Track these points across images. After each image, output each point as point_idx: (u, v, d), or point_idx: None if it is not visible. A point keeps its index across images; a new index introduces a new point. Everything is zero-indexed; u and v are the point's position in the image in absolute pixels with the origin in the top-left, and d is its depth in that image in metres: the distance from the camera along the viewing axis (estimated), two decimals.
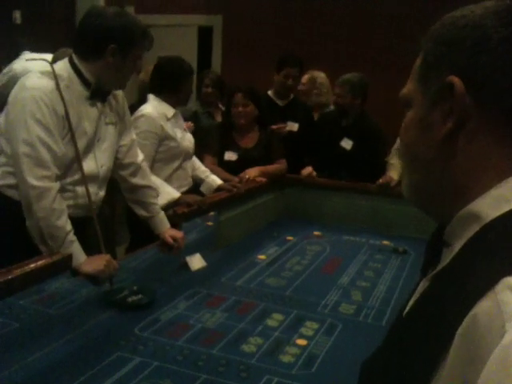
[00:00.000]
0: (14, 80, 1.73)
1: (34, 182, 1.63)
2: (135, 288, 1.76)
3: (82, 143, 1.76)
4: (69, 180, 1.77)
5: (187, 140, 2.66)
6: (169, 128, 2.51)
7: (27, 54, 3.00)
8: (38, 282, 1.58)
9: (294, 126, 3.43)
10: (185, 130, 2.69)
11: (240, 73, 5.09)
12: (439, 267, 0.57)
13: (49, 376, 1.30)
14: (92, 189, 1.82)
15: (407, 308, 0.61)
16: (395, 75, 3.98)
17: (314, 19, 5.28)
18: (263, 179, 2.89)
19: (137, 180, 2.04)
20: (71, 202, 1.78)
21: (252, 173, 2.85)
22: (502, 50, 0.53)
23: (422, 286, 0.60)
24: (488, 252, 0.49)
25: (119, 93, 1.94)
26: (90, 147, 1.81)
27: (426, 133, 0.58)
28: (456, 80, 0.54)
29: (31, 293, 1.70)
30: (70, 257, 1.63)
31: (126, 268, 2.02)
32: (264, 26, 5.44)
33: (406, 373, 0.51)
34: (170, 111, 2.53)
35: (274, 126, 3.22)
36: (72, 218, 1.73)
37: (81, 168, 1.76)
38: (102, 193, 1.94)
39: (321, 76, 3.88)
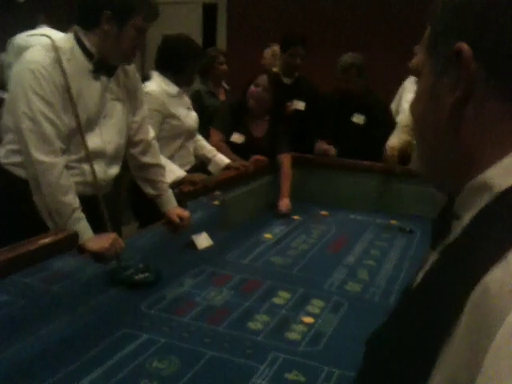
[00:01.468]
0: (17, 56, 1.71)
1: (40, 157, 1.63)
2: (141, 266, 1.76)
3: (84, 117, 1.74)
4: (74, 157, 1.76)
5: (191, 119, 2.64)
6: (171, 106, 2.48)
7: (43, 29, 2.96)
8: (44, 260, 1.58)
9: (300, 105, 3.40)
10: (189, 108, 2.67)
11: (245, 50, 5.04)
12: (449, 239, 0.56)
13: (55, 353, 1.30)
14: (99, 166, 1.81)
15: (416, 281, 0.60)
16: (402, 52, 3.95)
17: None
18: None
19: (147, 158, 2.02)
20: (79, 179, 1.77)
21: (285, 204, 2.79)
22: (511, 15, 0.51)
23: (432, 258, 0.59)
24: (500, 221, 0.48)
25: (131, 68, 1.91)
26: (94, 122, 1.79)
27: (435, 102, 0.57)
28: (464, 46, 0.52)
29: (37, 270, 1.70)
30: (76, 235, 1.63)
31: (133, 246, 2.02)
32: (269, 3, 5.36)
33: (415, 344, 0.50)
34: (173, 89, 2.51)
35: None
36: (81, 197, 1.73)
37: (83, 142, 1.74)
38: (113, 171, 1.92)
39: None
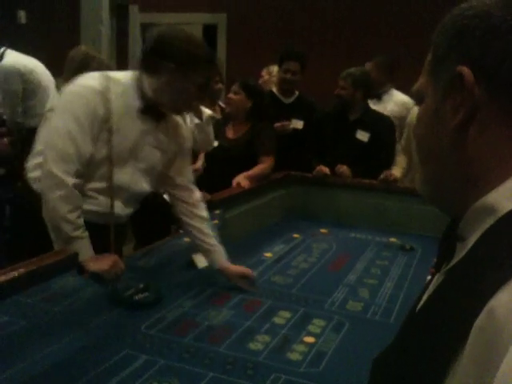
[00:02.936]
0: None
1: (55, 172, 1.66)
2: (141, 286, 1.75)
3: (115, 152, 1.75)
4: (94, 185, 1.77)
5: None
6: None
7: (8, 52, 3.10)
8: (44, 280, 1.58)
9: (298, 124, 3.41)
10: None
11: (245, 71, 5.07)
12: (453, 261, 0.56)
13: (55, 374, 1.29)
14: (117, 201, 1.82)
15: (420, 303, 0.60)
16: (403, 53, 3.98)
17: (318, 16, 5.27)
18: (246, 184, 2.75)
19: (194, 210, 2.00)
20: (93, 208, 1.79)
21: (239, 180, 2.74)
22: (511, 39, 0.52)
23: (436, 280, 0.59)
24: (505, 244, 0.48)
25: (187, 130, 1.95)
26: (125, 161, 1.79)
27: (438, 125, 0.57)
28: (465, 70, 0.53)
29: (38, 291, 1.70)
30: (76, 255, 1.63)
31: (133, 266, 2.02)
32: (268, 23, 5.42)
33: (421, 368, 0.50)
34: None
35: (277, 124, 3.20)
36: (91, 223, 1.74)
37: (111, 175, 1.75)
38: (130, 210, 1.93)
39: (275, 69, 3.93)
